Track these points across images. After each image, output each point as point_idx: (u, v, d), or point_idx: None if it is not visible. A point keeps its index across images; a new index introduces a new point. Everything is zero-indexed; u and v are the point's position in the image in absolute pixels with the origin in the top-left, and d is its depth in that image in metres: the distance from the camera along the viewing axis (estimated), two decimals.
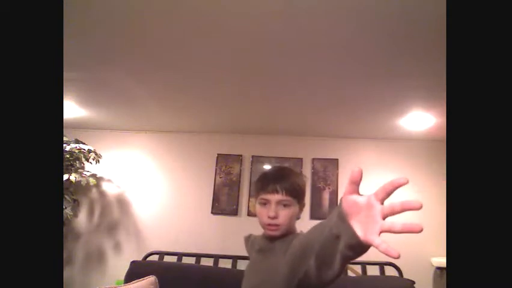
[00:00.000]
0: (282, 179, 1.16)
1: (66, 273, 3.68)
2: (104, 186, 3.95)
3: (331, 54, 2.16)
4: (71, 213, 3.54)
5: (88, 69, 2.52)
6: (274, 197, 1.13)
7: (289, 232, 1.15)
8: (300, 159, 3.85)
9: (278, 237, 1.15)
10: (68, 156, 3.44)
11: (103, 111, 3.49)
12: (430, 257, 3.50)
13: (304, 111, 3.20)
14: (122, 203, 3.90)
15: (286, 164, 3.81)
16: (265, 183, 1.17)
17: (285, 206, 1.14)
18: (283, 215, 1.13)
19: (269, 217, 1.13)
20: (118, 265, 3.63)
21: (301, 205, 1.20)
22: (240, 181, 3.82)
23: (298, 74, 2.47)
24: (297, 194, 1.16)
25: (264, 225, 1.17)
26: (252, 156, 3.88)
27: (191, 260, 3.19)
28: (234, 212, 3.73)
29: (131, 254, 3.66)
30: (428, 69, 2.25)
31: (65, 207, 3.43)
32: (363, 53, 2.13)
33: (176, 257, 3.20)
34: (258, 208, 1.18)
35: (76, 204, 3.77)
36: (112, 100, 3.20)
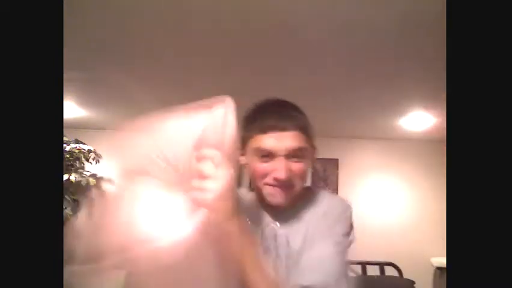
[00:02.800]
0: (290, 111, 0.81)
1: (66, 273, 3.68)
2: (104, 186, 3.95)
3: (331, 54, 2.16)
4: (71, 213, 3.53)
5: (88, 69, 2.52)
6: (284, 143, 0.76)
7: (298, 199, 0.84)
8: None
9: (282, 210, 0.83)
10: (68, 156, 3.43)
11: (103, 111, 3.49)
12: (430, 257, 3.50)
13: (304, 111, 3.19)
14: None
15: None
16: (264, 115, 0.81)
17: (299, 157, 0.78)
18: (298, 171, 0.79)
19: (276, 179, 0.77)
20: None
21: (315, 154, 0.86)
22: (240, 181, 3.82)
23: (299, 74, 2.47)
24: (310, 134, 0.83)
25: (261, 187, 0.81)
26: None
27: None
28: None
29: None
30: (427, 69, 2.25)
31: (65, 207, 3.43)
32: (363, 54, 2.13)
33: None
34: (254, 163, 0.81)
35: (76, 205, 3.77)
36: (112, 100, 3.20)
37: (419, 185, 3.74)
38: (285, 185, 0.78)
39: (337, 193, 3.72)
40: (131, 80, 2.70)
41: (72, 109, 3.39)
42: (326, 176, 3.81)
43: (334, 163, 3.82)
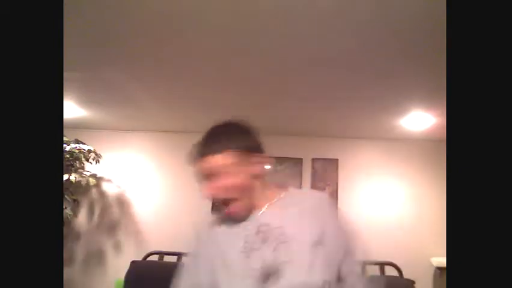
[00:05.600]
0: (218, 135, 0.96)
1: (66, 273, 3.68)
2: (104, 186, 3.95)
3: (331, 55, 2.16)
4: (71, 214, 3.53)
5: (88, 69, 2.52)
6: (203, 168, 0.93)
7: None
8: (300, 159, 3.84)
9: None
10: (68, 156, 3.43)
11: (103, 111, 3.49)
12: (430, 257, 3.50)
13: (304, 111, 3.19)
14: (122, 203, 3.90)
15: (286, 164, 3.81)
16: (193, 151, 0.98)
17: (220, 175, 0.91)
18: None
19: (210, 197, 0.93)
20: (118, 265, 3.63)
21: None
22: None
23: (298, 75, 2.47)
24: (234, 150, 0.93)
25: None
26: None
27: None
28: None
29: (131, 254, 3.65)
30: (428, 69, 2.25)
31: (65, 207, 3.43)
32: (364, 54, 2.13)
33: (176, 257, 3.19)
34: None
35: (76, 204, 3.77)
36: (112, 100, 3.20)
37: (419, 184, 3.74)
38: (224, 202, 0.92)
39: (337, 193, 3.72)
40: (132, 80, 2.70)
41: (72, 109, 3.39)
42: (326, 176, 3.81)
43: (334, 163, 3.82)
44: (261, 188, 0.94)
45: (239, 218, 0.92)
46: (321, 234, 0.86)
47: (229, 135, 0.96)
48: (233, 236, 0.92)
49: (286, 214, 0.90)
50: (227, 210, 0.92)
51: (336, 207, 0.94)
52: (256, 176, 0.93)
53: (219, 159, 0.91)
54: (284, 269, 0.81)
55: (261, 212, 0.92)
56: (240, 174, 0.90)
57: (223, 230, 0.96)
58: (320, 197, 0.97)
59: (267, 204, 0.93)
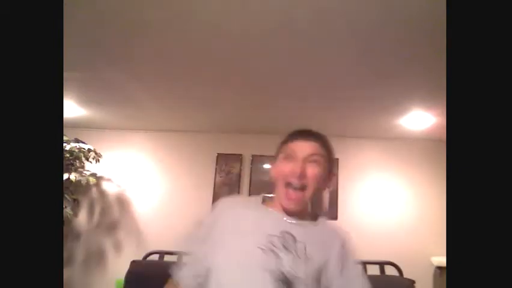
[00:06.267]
0: (315, 133, 1.03)
1: (66, 273, 3.68)
2: (104, 185, 3.95)
3: (331, 55, 2.16)
4: (71, 213, 3.53)
5: (88, 69, 2.52)
6: (305, 148, 0.97)
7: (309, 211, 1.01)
8: None
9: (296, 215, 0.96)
10: (68, 155, 3.43)
11: (103, 110, 3.49)
12: (430, 257, 3.50)
13: (304, 111, 3.19)
14: (122, 202, 3.90)
15: None
16: (295, 132, 1.03)
17: (315, 162, 0.96)
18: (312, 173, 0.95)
19: (294, 174, 0.94)
20: (118, 265, 3.63)
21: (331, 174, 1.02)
22: (240, 181, 3.82)
23: (298, 75, 2.46)
24: (329, 154, 1.01)
25: (283, 191, 0.96)
26: (252, 156, 3.87)
27: None
28: None
29: (131, 253, 3.66)
30: (428, 69, 2.25)
31: (65, 207, 3.43)
32: (364, 54, 2.13)
33: (176, 256, 3.19)
34: (279, 164, 0.99)
35: (76, 204, 3.77)
36: (112, 100, 3.20)
37: (419, 184, 3.74)
38: (299, 186, 0.94)
39: (337, 193, 3.71)
40: (132, 80, 2.70)
41: (72, 108, 3.39)
42: None
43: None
44: (316, 200, 1.00)
45: (291, 208, 0.96)
46: (326, 262, 0.92)
47: (325, 138, 1.06)
48: (256, 225, 0.95)
49: (310, 235, 0.94)
50: (290, 195, 0.95)
51: (350, 245, 1.00)
52: (324, 185, 1.01)
53: (317, 148, 0.98)
54: (296, 284, 0.85)
55: (292, 221, 0.96)
56: (322, 171, 0.97)
57: (253, 212, 0.99)
58: (339, 234, 1.02)
59: (303, 220, 0.97)
